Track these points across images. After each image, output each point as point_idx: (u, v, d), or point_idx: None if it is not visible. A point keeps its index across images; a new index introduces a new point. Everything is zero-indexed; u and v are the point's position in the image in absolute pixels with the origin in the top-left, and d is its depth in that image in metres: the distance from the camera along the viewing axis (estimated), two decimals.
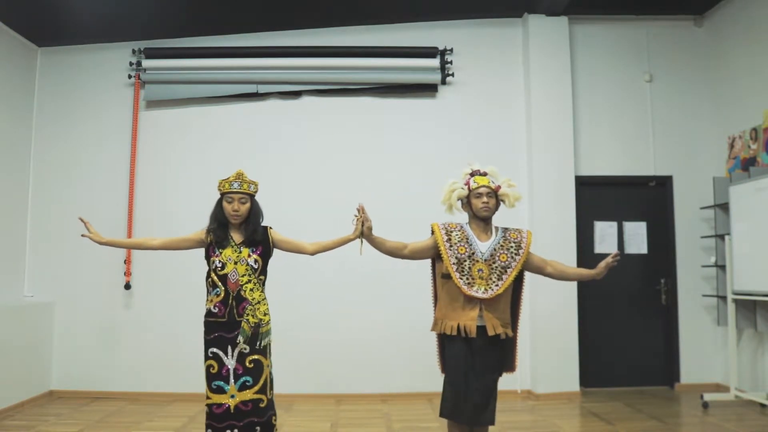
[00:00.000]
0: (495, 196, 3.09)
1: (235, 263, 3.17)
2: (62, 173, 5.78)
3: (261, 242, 3.25)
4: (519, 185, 5.71)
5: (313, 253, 3.34)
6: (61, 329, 5.60)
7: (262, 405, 3.11)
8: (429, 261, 3.19)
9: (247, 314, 3.14)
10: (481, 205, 3.04)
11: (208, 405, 3.12)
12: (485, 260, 2.99)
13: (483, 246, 3.03)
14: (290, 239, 3.35)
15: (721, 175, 5.75)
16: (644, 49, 6.07)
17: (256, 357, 3.14)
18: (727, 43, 5.78)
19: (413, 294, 5.04)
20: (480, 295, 2.93)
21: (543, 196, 5.68)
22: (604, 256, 3.13)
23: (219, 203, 3.27)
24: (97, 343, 5.57)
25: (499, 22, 6.01)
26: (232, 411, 3.07)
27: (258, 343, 3.15)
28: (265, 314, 3.22)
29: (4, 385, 4.85)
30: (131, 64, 5.78)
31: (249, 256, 3.19)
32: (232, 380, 3.09)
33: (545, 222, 5.60)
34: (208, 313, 3.18)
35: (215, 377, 3.11)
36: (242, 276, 3.16)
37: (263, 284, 3.27)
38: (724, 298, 5.35)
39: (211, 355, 3.13)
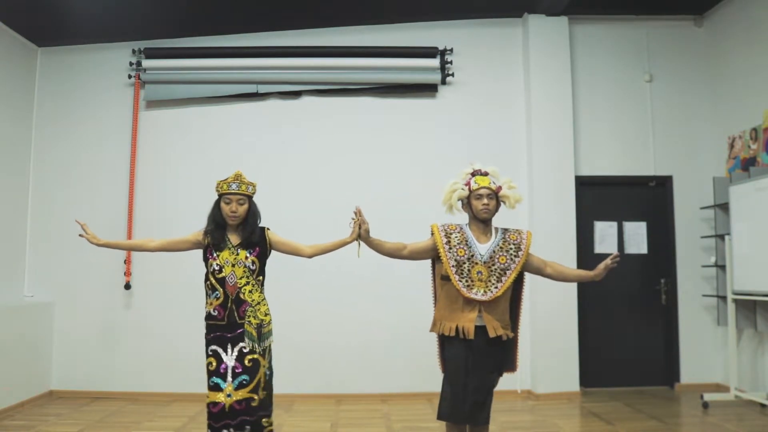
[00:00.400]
0: (496, 197, 3.08)
1: (233, 266, 3.16)
2: (62, 173, 5.78)
3: (258, 243, 3.24)
4: (519, 185, 5.72)
5: (310, 256, 3.34)
6: (61, 329, 5.60)
7: (253, 404, 3.10)
8: (429, 261, 3.19)
9: (249, 316, 3.14)
10: (481, 206, 3.03)
11: (207, 404, 3.11)
12: (484, 262, 2.98)
13: (482, 248, 3.02)
14: (288, 241, 3.34)
15: (721, 175, 5.75)
16: (644, 49, 6.07)
17: (255, 357, 3.14)
18: (727, 43, 5.78)
19: (413, 294, 5.04)
20: (479, 297, 2.93)
21: (543, 196, 5.68)
22: (604, 256, 3.13)
23: (217, 204, 3.26)
24: (97, 343, 5.57)
25: (499, 22, 6.01)
26: (227, 410, 3.06)
27: (262, 343, 3.15)
28: (266, 314, 3.21)
29: (4, 385, 4.84)
30: (131, 64, 5.78)
31: (246, 257, 3.18)
32: (230, 378, 3.08)
33: (545, 222, 5.60)
34: (208, 316, 3.18)
35: (213, 374, 3.11)
36: (240, 278, 3.15)
37: (262, 285, 3.26)
38: (724, 298, 5.35)
39: (210, 352, 3.14)
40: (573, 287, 5.59)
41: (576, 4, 5.62)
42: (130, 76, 5.81)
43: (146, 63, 5.78)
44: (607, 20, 6.07)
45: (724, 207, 5.40)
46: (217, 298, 3.14)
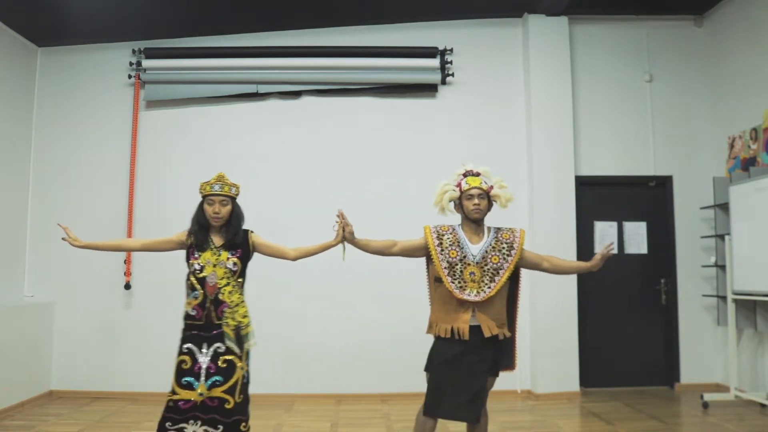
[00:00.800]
0: (487, 197, 3.08)
1: (214, 266, 3.16)
2: (62, 173, 5.78)
3: (240, 245, 3.24)
4: (519, 185, 5.80)
5: (294, 259, 3.33)
6: (61, 329, 5.60)
7: (227, 406, 3.06)
8: (425, 262, 3.17)
9: (226, 317, 3.12)
10: (472, 207, 3.03)
11: (172, 400, 3.08)
12: (477, 263, 2.98)
13: (474, 248, 3.02)
14: (272, 243, 3.34)
15: (721, 175, 5.75)
16: (644, 49, 6.07)
17: (230, 358, 3.11)
18: (727, 43, 5.78)
19: (413, 294, 5.01)
20: (472, 298, 2.93)
21: (543, 196, 5.68)
22: None
23: (200, 206, 3.27)
24: (97, 343, 5.57)
25: (499, 22, 6.01)
26: (198, 404, 3.05)
27: (243, 345, 3.13)
28: (244, 317, 3.19)
29: (4, 385, 4.84)
30: (131, 64, 5.78)
31: (228, 259, 3.18)
32: (203, 378, 3.06)
33: (545, 222, 5.60)
34: (186, 316, 3.18)
35: (186, 373, 3.08)
36: (220, 279, 3.15)
37: (242, 287, 3.25)
38: (724, 298, 5.35)
39: (185, 350, 3.13)
40: (573, 287, 5.59)
41: (576, 4, 5.62)
42: (130, 76, 5.81)
43: (146, 63, 5.78)
44: (607, 20, 6.07)
45: (724, 207, 5.40)
46: (196, 298, 3.15)
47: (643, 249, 5.96)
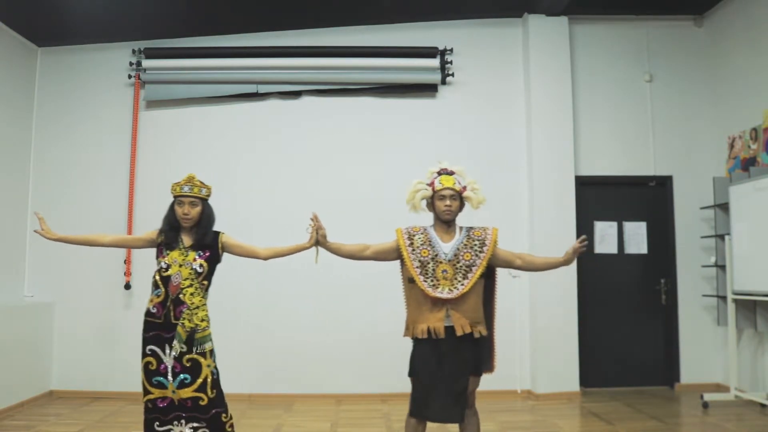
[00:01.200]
0: (459, 197, 3.08)
1: (180, 266, 3.18)
2: (62, 173, 5.78)
3: (210, 247, 3.26)
4: (519, 185, 5.80)
5: (266, 258, 3.36)
6: (61, 329, 5.60)
7: (201, 403, 3.11)
8: (399, 264, 3.15)
9: (184, 318, 3.13)
10: (443, 207, 3.04)
11: (150, 401, 3.14)
12: (449, 261, 2.98)
13: (446, 247, 3.02)
14: (243, 244, 3.36)
15: (721, 175, 5.75)
16: (644, 49, 6.07)
17: (193, 357, 3.13)
18: (727, 43, 5.78)
19: None
20: (445, 296, 2.92)
21: (543, 196, 5.68)
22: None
23: (171, 206, 3.31)
24: (97, 343, 5.57)
25: (499, 22, 6.01)
26: (176, 403, 3.11)
27: (195, 349, 3.14)
28: (202, 320, 3.19)
29: (4, 385, 4.85)
30: (131, 64, 5.78)
31: (195, 260, 3.21)
32: (170, 377, 3.11)
33: (545, 222, 5.60)
34: (147, 313, 3.21)
35: (155, 373, 3.13)
36: (185, 279, 3.17)
37: (205, 290, 3.26)
38: (724, 298, 5.35)
39: (149, 352, 3.16)
40: (573, 287, 5.59)
41: (576, 4, 5.62)
42: (130, 76, 5.81)
43: (146, 63, 5.78)
44: (607, 20, 6.07)
45: (724, 207, 5.40)
46: (158, 296, 3.17)
47: (643, 249, 5.96)
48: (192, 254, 3.21)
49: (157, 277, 3.20)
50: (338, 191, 5.66)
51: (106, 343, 5.57)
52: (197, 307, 3.17)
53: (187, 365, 3.11)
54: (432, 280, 2.96)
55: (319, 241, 3.16)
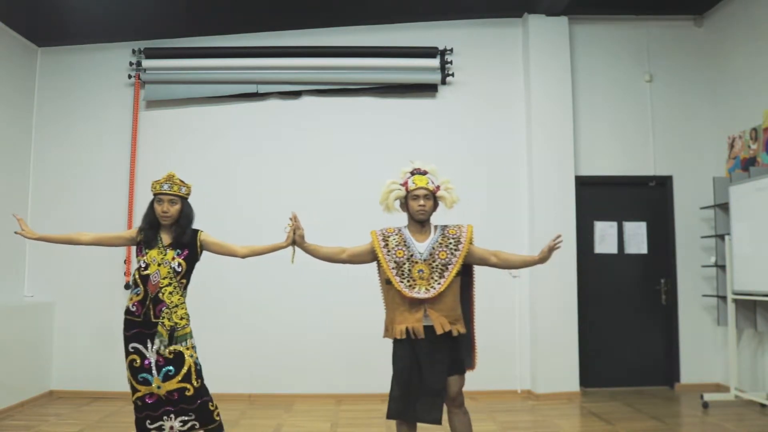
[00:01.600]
0: (433, 197, 3.07)
1: (159, 265, 3.20)
2: (62, 173, 5.78)
3: (188, 245, 3.28)
4: (519, 185, 5.80)
5: (244, 257, 3.38)
6: (61, 329, 5.60)
7: (188, 393, 3.15)
8: (376, 266, 3.14)
9: (163, 317, 3.15)
10: (417, 207, 3.03)
11: (139, 398, 3.16)
12: (425, 260, 2.98)
13: (421, 246, 3.02)
14: (221, 242, 3.38)
15: (721, 175, 5.75)
16: (644, 49, 6.07)
17: (175, 347, 3.16)
18: (728, 43, 5.78)
19: None
20: (422, 295, 2.92)
21: (543, 196, 5.68)
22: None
23: (151, 204, 3.32)
24: (97, 343, 5.56)
25: (499, 22, 6.01)
26: (163, 399, 3.13)
27: (174, 346, 3.16)
28: (181, 318, 3.21)
29: (4, 385, 4.85)
30: (131, 64, 5.78)
31: (173, 259, 3.22)
32: (154, 371, 3.13)
33: (545, 222, 5.60)
34: (127, 311, 3.23)
35: (140, 370, 3.15)
36: (163, 278, 3.19)
37: (184, 288, 3.28)
38: (724, 298, 5.35)
39: (132, 350, 3.18)
40: (573, 287, 5.59)
41: (576, 4, 5.62)
42: (130, 76, 5.81)
43: (146, 63, 5.78)
44: (607, 20, 6.07)
45: (724, 207, 5.40)
46: (138, 295, 3.19)
47: (643, 249, 5.96)
48: (171, 253, 3.23)
49: (137, 276, 3.22)
50: (338, 191, 5.66)
51: (106, 343, 5.56)
52: (176, 306, 3.19)
53: (170, 357, 3.14)
54: (408, 281, 2.96)
55: (296, 241, 3.18)
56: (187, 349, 3.18)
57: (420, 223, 3.07)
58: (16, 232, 3.37)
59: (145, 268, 3.20)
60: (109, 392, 5.47)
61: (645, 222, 5.98)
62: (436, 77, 5.80)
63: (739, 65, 5.61)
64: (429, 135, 5.83)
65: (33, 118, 5.82)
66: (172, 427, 3.16)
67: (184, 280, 3.26)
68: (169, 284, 3.19)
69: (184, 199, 3.32)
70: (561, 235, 3.02)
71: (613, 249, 5.92)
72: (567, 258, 5.52)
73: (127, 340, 3.20)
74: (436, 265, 2.97)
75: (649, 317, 5.93)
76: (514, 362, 5.64)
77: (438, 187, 3.09)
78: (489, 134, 5.88)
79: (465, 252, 3.01)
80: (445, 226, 3.11)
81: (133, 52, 5.80)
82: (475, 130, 5.87)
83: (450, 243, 3.02)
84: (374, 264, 3.13)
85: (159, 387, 3.12)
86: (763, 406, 4.93)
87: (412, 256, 2.99)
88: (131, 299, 3.22)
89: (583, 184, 5.88)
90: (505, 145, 5.88)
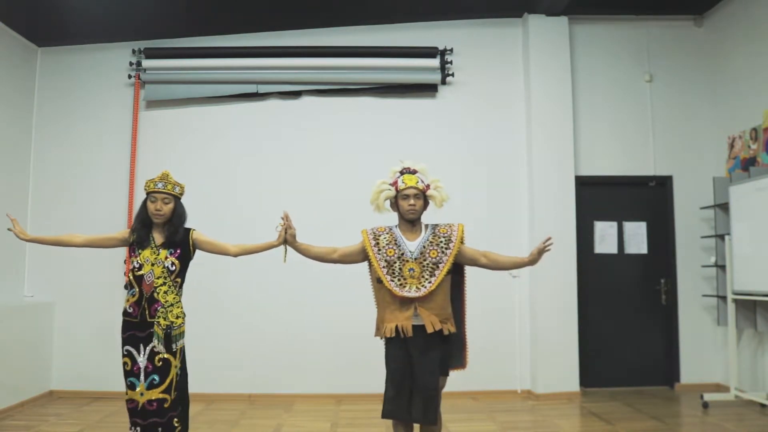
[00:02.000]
0: (423, 196, 3.08)
1: (152, 264, 3.20)
2: (62, 173, 5.78)
3: (180, 244, 3.28)
4: (519, 185, 5.80)
5: (235, 255, 3.38)
6: (61, 329, 5.60)
7: (166, 405, 3.15)
8: (367, 266, 3.15)
9: (159, 316, 3.16)
10: (407, 207, 3.04)
11: (126, 401, 3.19)
12: (415, 259, 2.98)
13: (412, 245, 3.02)
14: (213, 240, 3.38)
15: (721, 175, 5.75)
16: (644, 49, 6.07)
17: (166, 356, 3.16)
18: (728, 43, 5.78)
19: None
20: (412, 294, 2.92)
21: (543, 196, 5.68)
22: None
23: (144, 203, 3.33)
24: (97, 343, 5.56)
25: (499, 22, 6.01)
26: (138, 409, 3.14)
27: (172, 347, 3.17)
28: (177, 317, 3.22)
29: (4, 385, 4.85)
30: (131, 64, 5.78)
31: (166, 258, 3.22)
32: (142, 377, 3.14)
33: (545, 222, 5.60)
34: (125, 312, 3.24)
35: (129, 374, 3.17)
36: (157, 278, 3.19)
37: (179, 287, 3.28)
38: (724, 298, 5.35)
39: (125, 352, 3.19)
40: (573, 287, 5.59)
41: (576, 4, 5.62)
42: (130, 76, 5.81)
43: (146, 63, 5.78)
44: (607, 20, 6.07)
45: (724, 207, 5.40)
46: (133, 296, 3.20)
47: (643, 249, 5.96)
48: (163, 252, 3.23)
49: (131, 277, 3.23)
50: (338, 191, 5.66)
51: (106, 343, 5.56)
52: (171, 305, 3.20)
53: (158, 365, 3.14)
54: (399, 280, 2.96)
55: (287, 240, 3.18)
56: (175, 358, 3.18)
57: (410, 222, 3.07)
58: (8, 229, 3.37)
59: (139, 269, 3.20)
60: (109, 392, 5.46)
61: (645, 222, 5.99)
62: (436, 77, 5.80)
63: (739, 65, 5.61)
64: (429, 135, 5.83)
65: (33, 118, 5.82)
66: None
67: (178, 279, 3.26)
68: (164, 283, 3.19)
69: (177, 199, 3.33)
70: (551, 237, 3.00)
71: (613, 249, 5.92)
72: (567, 258, 5.53)
73: (123, 342, 3.21)
74: (427, 264, 2.97)
75: (649, 317, 5.93)
76: (514, 362, 5.64)
77: (428, 186, 3.09)
78: (489, 134, 5.88)
79: (456, 251, 3.01)
80: (436, 224, 3.11)
81: (133, 52, 5.80)
82: (475, 130, 5.87)
83: (441, 242, 3.02)
84: (367, 263, 3.13)
85: (142, 394, 3.13)
86: (763, 406, 4.93)
87: (402, 254, 2.99)
88: (128, 300, 3.22)
89: (583, 184, 5.88)
90: (505, 145, 5.88)
